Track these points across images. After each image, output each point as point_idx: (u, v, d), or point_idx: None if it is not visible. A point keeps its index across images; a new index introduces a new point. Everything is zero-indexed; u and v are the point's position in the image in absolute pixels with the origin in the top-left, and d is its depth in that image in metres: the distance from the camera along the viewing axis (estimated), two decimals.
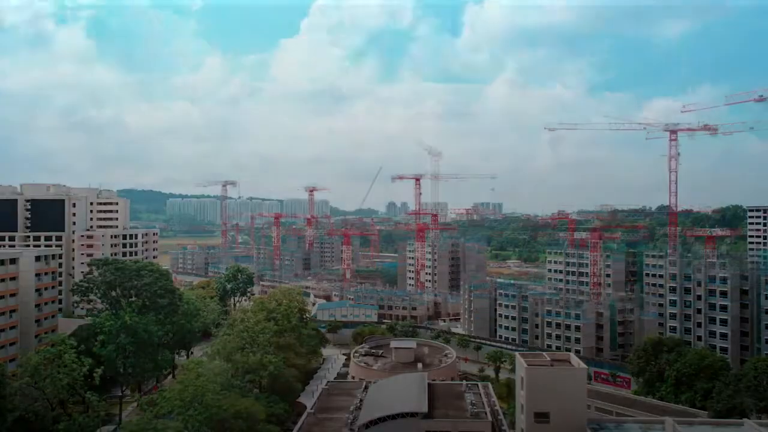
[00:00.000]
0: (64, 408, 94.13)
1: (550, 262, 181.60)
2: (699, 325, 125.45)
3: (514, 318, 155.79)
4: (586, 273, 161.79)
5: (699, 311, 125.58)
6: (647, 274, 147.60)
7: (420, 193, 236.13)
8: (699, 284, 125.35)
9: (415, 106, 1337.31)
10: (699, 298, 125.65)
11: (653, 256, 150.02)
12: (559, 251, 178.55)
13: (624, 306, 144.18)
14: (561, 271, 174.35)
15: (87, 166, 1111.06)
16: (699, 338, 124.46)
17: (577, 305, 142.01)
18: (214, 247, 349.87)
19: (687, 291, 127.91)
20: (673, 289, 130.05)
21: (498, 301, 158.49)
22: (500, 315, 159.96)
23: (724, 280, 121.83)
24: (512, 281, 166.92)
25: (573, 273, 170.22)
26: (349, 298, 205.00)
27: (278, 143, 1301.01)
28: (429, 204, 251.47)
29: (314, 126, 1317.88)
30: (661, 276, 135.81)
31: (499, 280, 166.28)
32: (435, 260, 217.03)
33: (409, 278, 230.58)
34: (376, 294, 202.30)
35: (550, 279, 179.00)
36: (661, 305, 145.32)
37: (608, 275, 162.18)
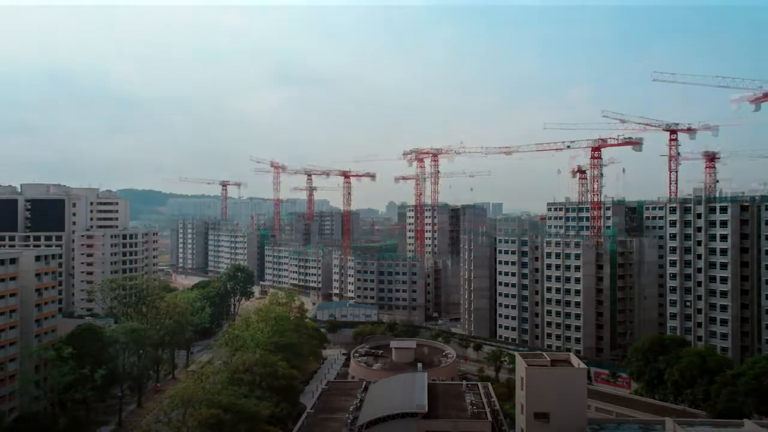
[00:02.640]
0: (64, 408, 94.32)
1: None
2: (699, 325, 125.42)
3: (514, 318, 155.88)
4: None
5: (699, 311, 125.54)
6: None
7: (420, 194, 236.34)
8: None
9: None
10: (699, 298, 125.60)
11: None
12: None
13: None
14: (561, 224, 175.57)
15: None
16: (699, 338, 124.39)
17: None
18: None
19: (687, 291, 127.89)
20: (673, 289, 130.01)
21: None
22: (500, 315, 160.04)
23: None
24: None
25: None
26: (350, 294, 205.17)
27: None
28: (428, 205, 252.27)
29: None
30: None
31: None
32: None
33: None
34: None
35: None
36: (661, 305, 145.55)
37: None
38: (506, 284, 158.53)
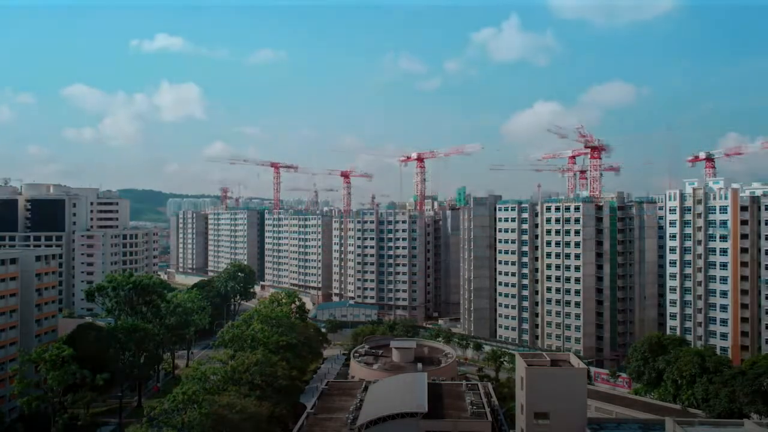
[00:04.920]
0: (64, 408, 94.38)
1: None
2: (699, 324, 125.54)
3: (514, 318, 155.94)
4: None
5: (699, 311, 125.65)
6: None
7: (422, 193, 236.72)
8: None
9: None
10: (699, 297, 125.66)
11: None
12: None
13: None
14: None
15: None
16: (699, 338, 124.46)
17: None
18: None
19: (687, 291, 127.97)
20: (673, 289, 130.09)
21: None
22: (500, 315, 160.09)
23: (724, 278, 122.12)
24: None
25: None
26: (350, 294, 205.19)
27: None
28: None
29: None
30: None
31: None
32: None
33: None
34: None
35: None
36: (661, 305, 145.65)
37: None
38: (506, 284, 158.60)
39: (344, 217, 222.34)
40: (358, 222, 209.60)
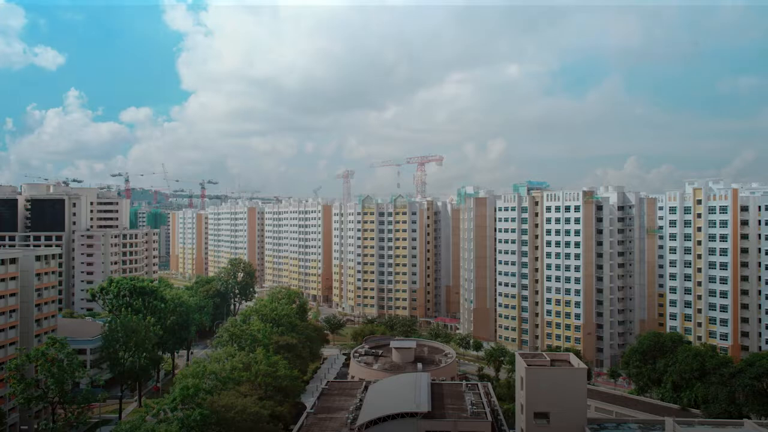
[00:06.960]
0: (64, 407, 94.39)
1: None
2: (699, 324, 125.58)
3: (514, 318, 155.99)
4: None
5: (699, 311, 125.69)
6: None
7: (424, 197, 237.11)
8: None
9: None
10: (699, 298, 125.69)
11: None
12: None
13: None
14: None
15: None
16: (699, 338, 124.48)
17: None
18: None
19: (687, 291, 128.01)
20: (673, 289, 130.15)
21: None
22: (500, 315, 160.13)
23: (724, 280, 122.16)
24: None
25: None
26: (350, 295, 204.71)
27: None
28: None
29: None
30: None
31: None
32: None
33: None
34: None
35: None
36: (661, 305, 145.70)
37: None
38: (506, 284, 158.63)
39: (343, 215, 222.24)
40: (359, 222, 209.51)
